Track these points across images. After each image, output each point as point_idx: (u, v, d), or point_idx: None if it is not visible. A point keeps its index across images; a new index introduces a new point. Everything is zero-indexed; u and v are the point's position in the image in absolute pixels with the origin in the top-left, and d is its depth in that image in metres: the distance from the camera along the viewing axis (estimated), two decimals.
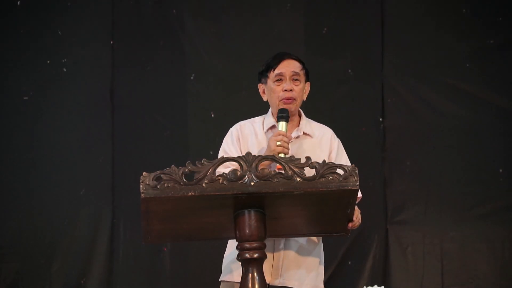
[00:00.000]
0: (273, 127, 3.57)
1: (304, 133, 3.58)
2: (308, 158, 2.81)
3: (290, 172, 2.78)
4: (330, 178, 2.79)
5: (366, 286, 5.38)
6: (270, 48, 5.52)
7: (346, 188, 2.79)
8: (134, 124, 5.55)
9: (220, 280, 3.55)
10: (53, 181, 5.45)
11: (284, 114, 3.44)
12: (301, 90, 3.56)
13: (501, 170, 5.48)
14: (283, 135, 3.36)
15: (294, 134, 3.56)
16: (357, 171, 2.81)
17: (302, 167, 2.80)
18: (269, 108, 3.65)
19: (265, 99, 3.63)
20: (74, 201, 5.44)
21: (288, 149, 3.34)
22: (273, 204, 2.88)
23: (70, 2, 5.57)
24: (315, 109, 5.46)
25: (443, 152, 5.52)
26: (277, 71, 3.55)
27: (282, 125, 3.42)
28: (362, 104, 5.58)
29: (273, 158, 2.85)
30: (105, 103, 5.52)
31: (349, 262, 5.44)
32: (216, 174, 2.79)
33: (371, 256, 5.45)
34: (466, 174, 5.49)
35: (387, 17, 5.61)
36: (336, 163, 2.86)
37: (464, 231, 5.44)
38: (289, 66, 3.55)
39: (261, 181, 2.77)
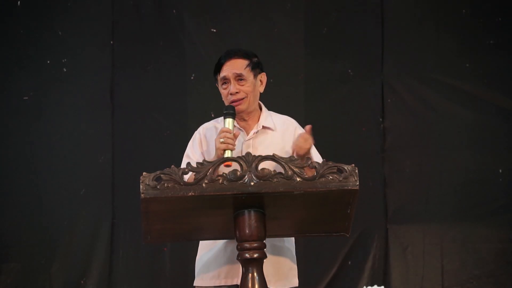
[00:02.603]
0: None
1: (264, 127, 3.52)
2: (307, 158, 2.80)
3: (290, 172, 2.78)
4: (330, 178, 2.78)
5: (366, 286, 5.38)
6: (270, 48, 5.53)
7: (346, 188, 2.79)
8: (134, 124, 5.54)
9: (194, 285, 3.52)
10: (53, 181, 5.45)
11: (230, 111, 3.40)
12: (250, 86, 3.48)
13: (501, 170, 5.47)
14: (226, 131, 3.30)
15: (253, 130, 3.51)
16: (357, 171, 2.81)
17: (302, 167, 2.79)
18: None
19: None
20: (74, 201, 5.44)
21: (232, 145, 3.27)
22: (273, 204, 2.88)
23: (70, 2, 5.57)
24: (315, 109, 5.47)
25: (443, 152, 5.52)
26: (221, 74, 3.51)
27: (227, 122, 3.37)
28: (362, 104, 5.58)
29: (273, 158, 2.84)
30: (105, 103, 5.52)
31: (349, 262, 5.44)
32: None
33: (371, 256, 5.44)
34: (466, 174, 5.49)
35: (387, 17, 5.61)
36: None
37: (464, 231, 5.44)
38: (231, 68, 3.49)
39: (261, 181, 2.77)
